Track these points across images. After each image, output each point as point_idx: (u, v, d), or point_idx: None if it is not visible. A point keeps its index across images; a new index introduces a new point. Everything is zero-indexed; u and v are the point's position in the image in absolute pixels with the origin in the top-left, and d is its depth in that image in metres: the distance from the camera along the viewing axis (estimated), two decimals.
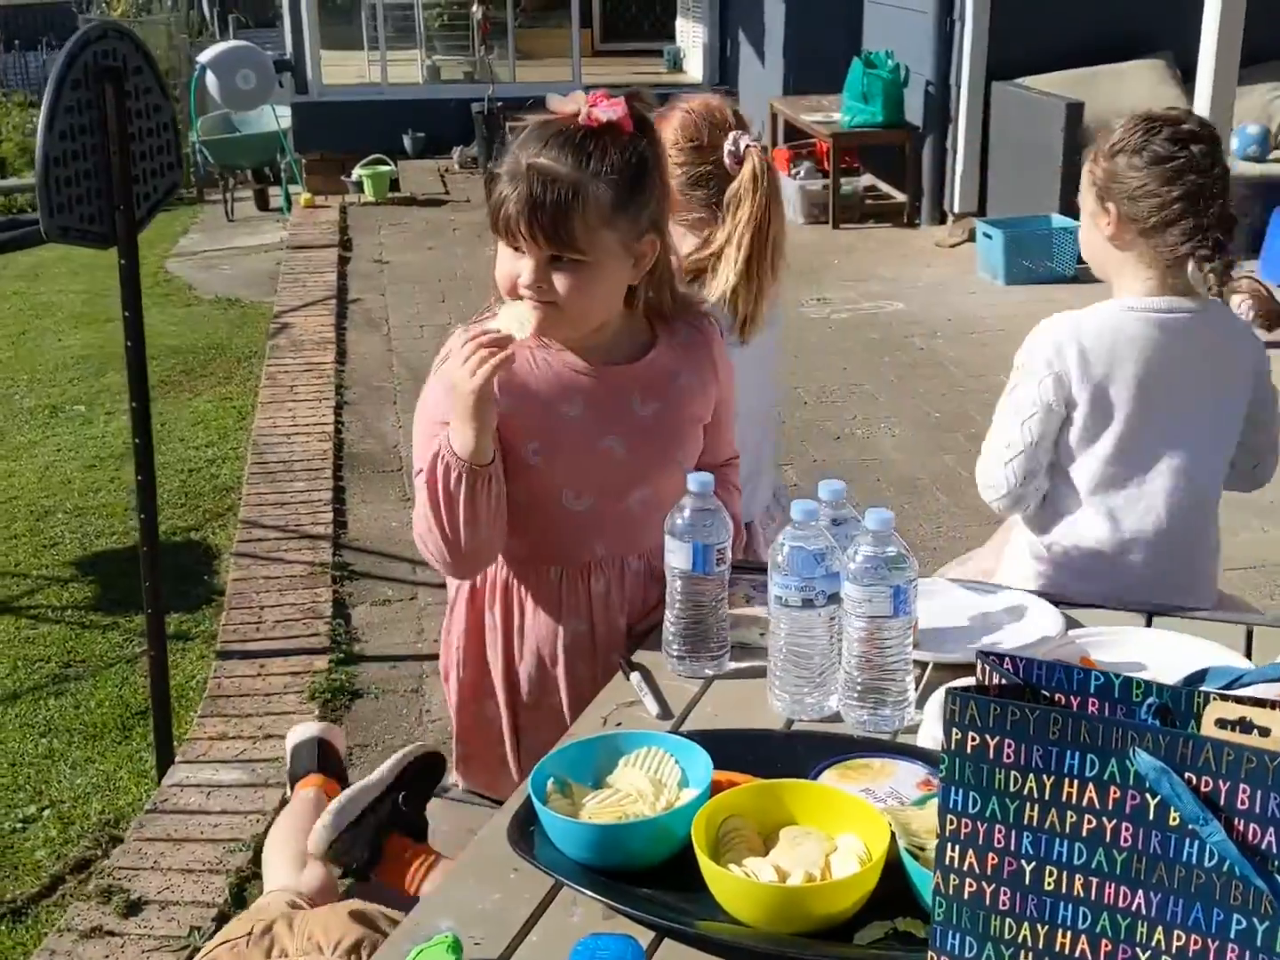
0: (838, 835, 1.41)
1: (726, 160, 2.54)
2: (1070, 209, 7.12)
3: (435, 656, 3.75)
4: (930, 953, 1.17)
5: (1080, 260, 7.18)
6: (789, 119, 9.37)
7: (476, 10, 11.23)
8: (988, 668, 1.14)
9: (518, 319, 1.87)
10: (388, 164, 9.90)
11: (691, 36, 12.58)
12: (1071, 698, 1.14)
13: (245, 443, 5.60)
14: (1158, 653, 1.78)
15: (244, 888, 2.93)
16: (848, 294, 7.18)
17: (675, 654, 1.84)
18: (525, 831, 1.49)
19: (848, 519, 1.79)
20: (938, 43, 8.00)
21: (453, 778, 2.26)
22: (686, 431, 2.05)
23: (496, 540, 1.97)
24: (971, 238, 7.58)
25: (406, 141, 10.72)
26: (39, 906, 3.00)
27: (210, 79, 9.22)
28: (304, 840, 2.12)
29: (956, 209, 8.12)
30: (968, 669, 1.76)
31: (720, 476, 1.89)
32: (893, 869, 1.34)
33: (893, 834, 1.35)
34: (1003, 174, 7.79)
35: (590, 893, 1.39)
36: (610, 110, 1.87)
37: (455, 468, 1.87)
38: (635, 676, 1.84)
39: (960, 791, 1.12)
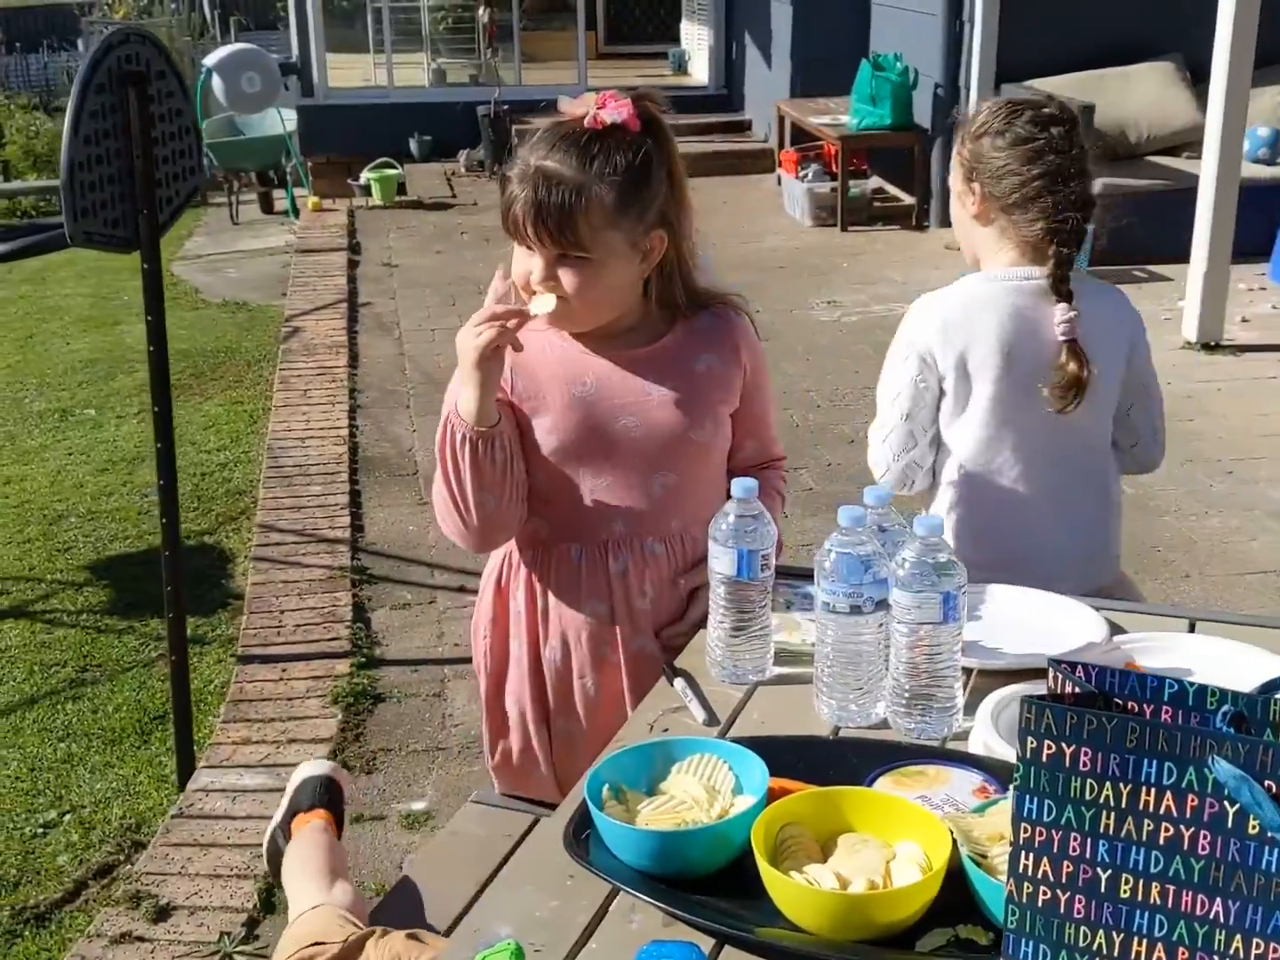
0: (896, 842, 1.40)
1: None
2: None
3: (456, 660, 3.77)
4: None
5: (1091, 262, 7.22)
6: (796, 121, 9.37)
7: (483, 13, 11.22)
8: (1060, 676, 1.14)
9: (542, 300, 1.94)
10: (395, 167, 9.91)
11: (696, 39, 12.58)
12: (1145, 705, 1.14)
13: (257, 446, 5.60)
14: (1203, 659, 1.78)
15: (272, 893, 2.92)
16: (858, 297, 7.18)
17: (719, 660, 1.84)
18: (579, 838, 1.49)
19: (892, 525, 1.79)
20: (946, 45, 8.00)
21: (492, 782, 2.27)
22: (706, 415, 2.06)
23: (509, 511, 2.00)
24: None
25: (413, 145, 10.73)
26: (62, 912, 3.00)
27: (216, 82, 9.22)
28: (323, 860, 2.11)
29: None
30: (1013, 675, 1.77)
31: (762, 480, 1.90)
32: (952, 876, 1.34)
33: (954, 841, 1.35)
34: None
35: (651, 899, 1.39)
36: (616, 112, 1.92)
37: (459, 429, 1.93)
38: (679, 682, 1.83)
39: (1035, 799, 1.12)
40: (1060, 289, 2.31)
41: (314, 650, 3.90)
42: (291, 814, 2.37)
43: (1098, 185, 7.55)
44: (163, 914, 2.85)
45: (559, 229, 1.89)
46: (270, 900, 2.91)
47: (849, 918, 1.31)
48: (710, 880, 1.42)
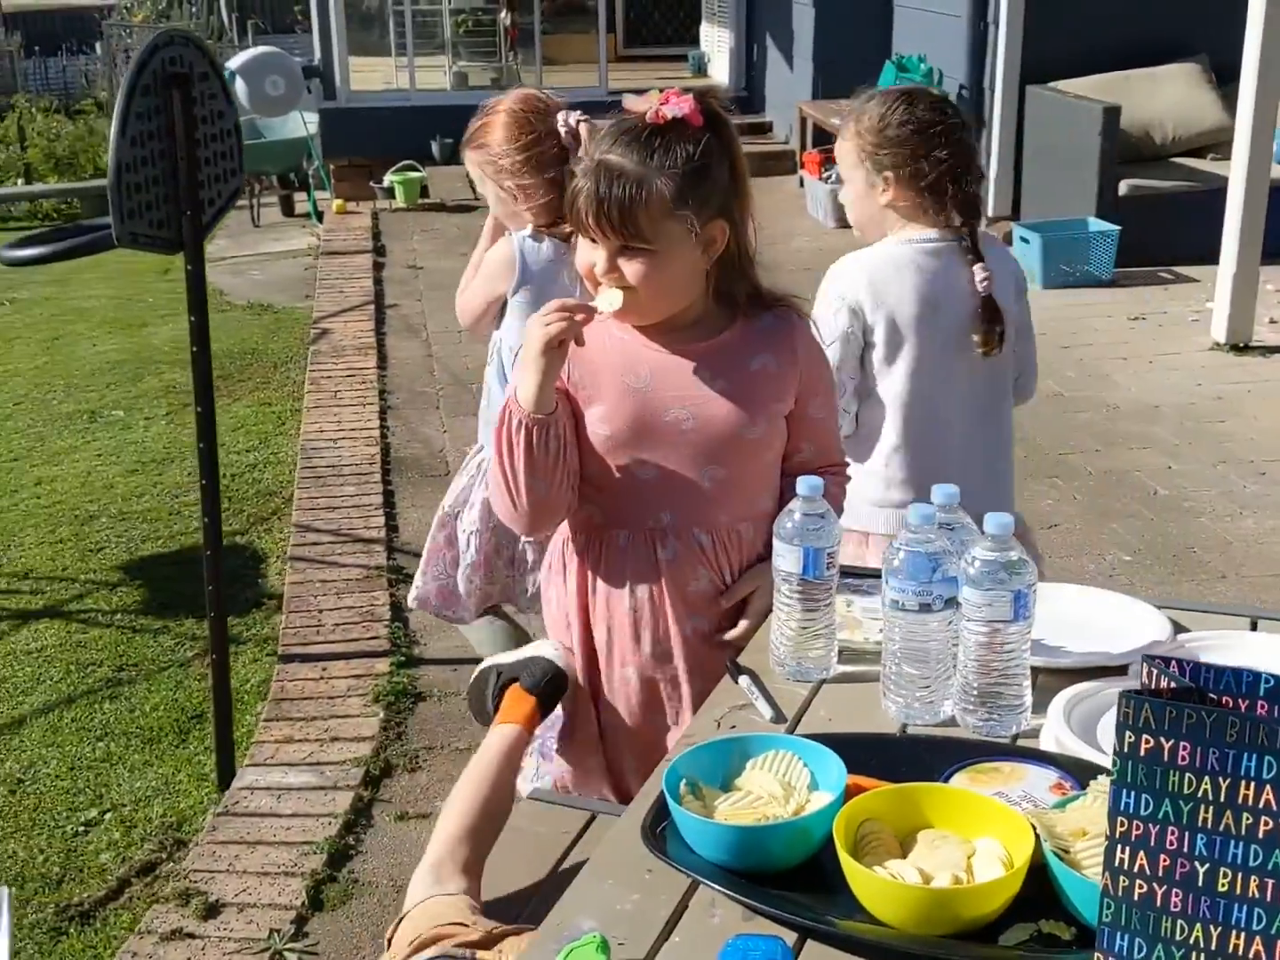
0: (975, 838, 1.41)
1: (564, 138, 2.85)
2: (1107, 212, 7.12)
3: None
4: (1098, 954, 1.17)
5: (1117, 264, 7.19)
6: (818, 123, 9.36)
7: (505, 16, 11.23)
8: (1155, 670, 1.14)
9: (609, 297, 1.98)
10: (418, 170, 9.92)
11: (716, 41, 12.58)
12: (1240, 700, 1.14)
13: (286, 447, 5.62)
14: (1267, 657, 1.78)
15: (320, 890, 2.94)
16: None
17: (783, 658, 1.85)
18: (655, 832, 1.50)
19: (959, 524, 1.79)
20: (971, 46, 7.98)
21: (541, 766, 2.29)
22: (760, 413, 2.08)
23: (559, 497, 2.04)
24: (1007, 241, 7.57)
25: (434, 147, 10.73)
26: (106, 909, 3.01)
27: (239, 85, 9.24)
28: (490, 825, 2.05)
29: (990, 212, 8.10)
30: (1076, 674, 1.77)
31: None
32: (1031, 871, 1.35)
33: (1036, 836, 1.35)
34: (1036, 177, 7.79)
35: (734, 894, 1.39)
36: (677, 107, 1.95)
37: (517, 414, 1.97)
38: (744, 679, 1.84)
39: (1132, 794, 1.12)
40: (975, 252, 2.59)
41: (353, 649, 3.91)
42: (513, 678, 2.24)
43: (1124, 187, 7.56)
44: (212, 911, 2.87)
45: (620, 220, 1.93)
46: (319, 898, 2.93)
47: (934, 912, 1.32)
48: (785, 876, 1.43)
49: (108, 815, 3.34)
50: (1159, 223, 7.14)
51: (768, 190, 9.68)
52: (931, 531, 1.68)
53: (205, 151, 3.25)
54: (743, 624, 2.10)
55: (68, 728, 3.72)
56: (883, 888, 1.33)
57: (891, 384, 2.62)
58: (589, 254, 2.00)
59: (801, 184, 9.50)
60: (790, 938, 1.35)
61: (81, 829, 3.30)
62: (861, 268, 2.59)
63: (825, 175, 8.84)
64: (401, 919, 1.80)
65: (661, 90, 2.00)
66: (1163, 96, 7.67)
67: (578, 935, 1.35)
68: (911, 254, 2.58)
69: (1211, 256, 6.30)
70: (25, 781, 3.48)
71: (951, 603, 1.67)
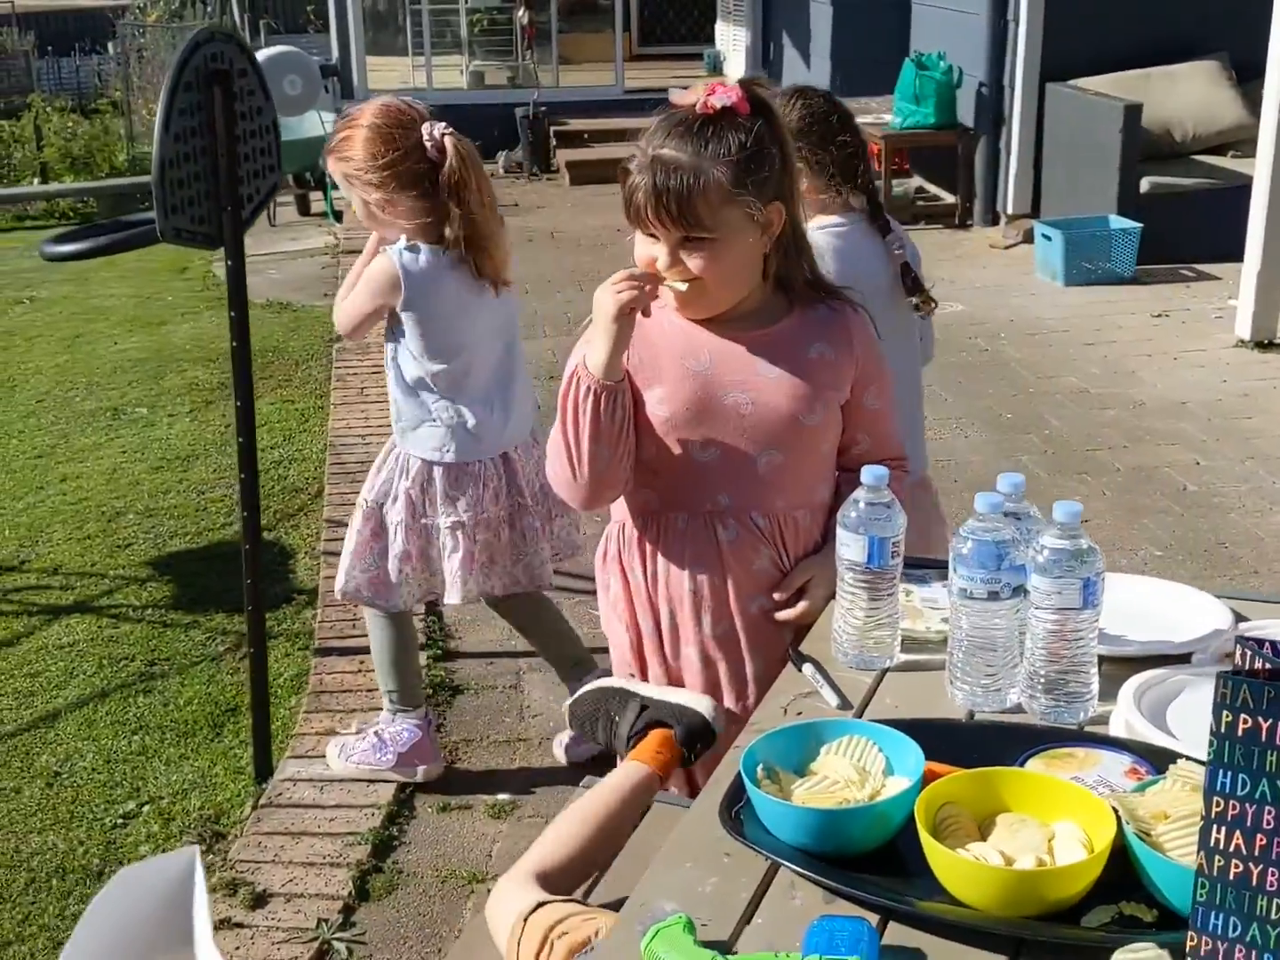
0: (1053, 822, 1.42)
1: (430, 152, 2.87)
2: (1128, 209, 7.12)
3: (530, 653, 3.79)
4: (1191, 932, 1.18)
5: (1139, 261, 7.18)
6: None
7: (522, 15, 11.24)
8: (1248, 652, 1.15)
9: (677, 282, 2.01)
10: None
11: (732, 39, 12.59)
12: None
13: (310, 444, 5.63)
14: None
15: (366, 880, 2.96)
16: None
17: (845, 647, 1.86)
18: (732, 816, 1.51)
19: (1024, 513, 1.80)
20: (991, 44, 7.99)
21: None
22: (817, 400, 2.10)
23: (619, 469, 2.07)
24: (1028, 239, 7.57)
25: None
26: None
27: None
28: (602, 857, 1.96)
29: (1010, 210, 8.11)
30: (1141, 663, 1.78)
31: None
32: (1111, 854, 1.35)
33: (1118, 819, 1.36)
34: (1056, 175, 7.79)
35: (816, 876, 1.40)
36: (724, 96, 1.97)
37: (585, 380, 2.00)
38: (808, 668, 1.85)
39: (1228, 774, 1.13)
40: (885, 226, 2.80)
41: None
42: (663, 721, 2.09)
43: (1145, 184, 7.56)
44: (260, 901, 2.88)
45: (679, 212, 1.95)
46: (365, 888, 2.94)
47: (1018, 894, 1.33)
48: (862, 860, 1.44)
49: (145, 808, 3.35)
50: (1180, 220, 7.14)
51: None
52: (999, 520, 1.69)
53: (245, 148, 3.27)
54: (802, 604, 2.11)
55: (102, 721, 3.74)
56: (968, 870, 1.34)
57: None
58: (649, 249, 2.02)
59: None
60: (872, 919, 1.36)
61: (120, 821, 3.31)
62: None
63: None
64: (529, 919, 1.73)
65: (707, 83, 2.03)
66: (1183, 94, 7.67)
67: (661, 916, 1.36)
68: (826, 239, 2.71)
69: (1233, 254, 6.31)
70: (62, 775, 3.50)
71: (1019, 591, 1.68)
